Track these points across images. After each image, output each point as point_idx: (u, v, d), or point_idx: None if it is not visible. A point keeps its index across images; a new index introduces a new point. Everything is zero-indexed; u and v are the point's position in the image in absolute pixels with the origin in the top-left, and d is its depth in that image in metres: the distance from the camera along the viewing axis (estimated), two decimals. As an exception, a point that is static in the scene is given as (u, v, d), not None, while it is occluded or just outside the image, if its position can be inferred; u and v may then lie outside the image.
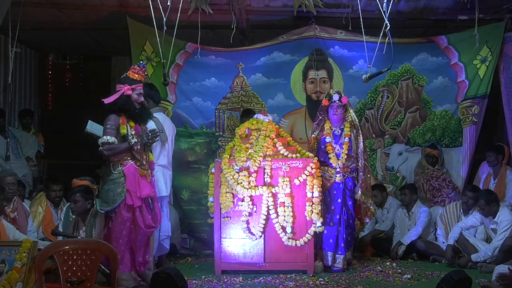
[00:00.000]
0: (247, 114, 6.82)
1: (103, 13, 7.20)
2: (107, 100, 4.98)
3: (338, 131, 5.98)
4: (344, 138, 5.92)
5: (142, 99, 5.03)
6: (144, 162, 4.99)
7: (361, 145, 5.97)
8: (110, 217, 4.96)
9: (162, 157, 5.78)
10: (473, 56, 7.30)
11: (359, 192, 5.88)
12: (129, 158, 4.93)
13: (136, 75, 5.03)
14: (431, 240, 6.83)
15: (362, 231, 6.75)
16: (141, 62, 5.29)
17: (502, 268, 4.89)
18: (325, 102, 6.03)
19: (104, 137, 4.86)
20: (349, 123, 5.99)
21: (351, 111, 6.07)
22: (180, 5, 5.78)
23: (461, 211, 6.54)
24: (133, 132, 4.95)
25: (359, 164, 5.94)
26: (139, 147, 4.92)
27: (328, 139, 5.94)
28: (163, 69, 5.94)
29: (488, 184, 6.97)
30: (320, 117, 6.11)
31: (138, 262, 4.99)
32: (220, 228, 5.71)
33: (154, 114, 5.55)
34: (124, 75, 5.14)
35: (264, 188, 5.59)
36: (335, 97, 5.96)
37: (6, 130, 7.32)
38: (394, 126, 7.62)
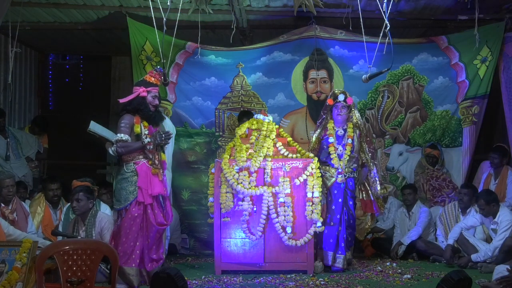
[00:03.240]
0: (244, 115, 6.82)
1: (103, 13, 7.21)
2: (122, 100, 5.15)
3: (341, 132, 5.95)
4: (347, 139, 5.90)
5: (156, 102, 5.19)
6: (157, 162, 5.12)
7: (364, 145, 5.97)
8: (121, 214, 5.08)
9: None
10: (473, 56, 7.29)
11: (378, 188, 5.90)
12: (141, 157, 5.07)
13: (153, 79, 5.23)
14: (431, 240, 6.83)
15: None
16: (158, 66, 5.44)
17: (502, 268, 4.89)
18: (330, 101, 5.98)
19: (118, 134, 5.02)
20: (352, 124, 5.97)
21: (356, 112, 6.03)
22: (180, 5, 5.79)
23: (459, 210, 6.54)
24: (146, 132, 5.08)
25: (370, 163, 5.95)
26: (151, 147, 5.04)
27: (331, 139, 5.91)
28: (163, 68, 5.95)
29: (489, 184, 6.96)
30: (324, 116, 6.06)
31: (151, 259, 5.10)
32: (220, 228, 5.71)
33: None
34: (142, 78, 5.33)
35: (265, 188, 5.60)
36: (341, 97, 5.92)
37: (6, 130, 7.31)
38: (395, 126, 7.61)
